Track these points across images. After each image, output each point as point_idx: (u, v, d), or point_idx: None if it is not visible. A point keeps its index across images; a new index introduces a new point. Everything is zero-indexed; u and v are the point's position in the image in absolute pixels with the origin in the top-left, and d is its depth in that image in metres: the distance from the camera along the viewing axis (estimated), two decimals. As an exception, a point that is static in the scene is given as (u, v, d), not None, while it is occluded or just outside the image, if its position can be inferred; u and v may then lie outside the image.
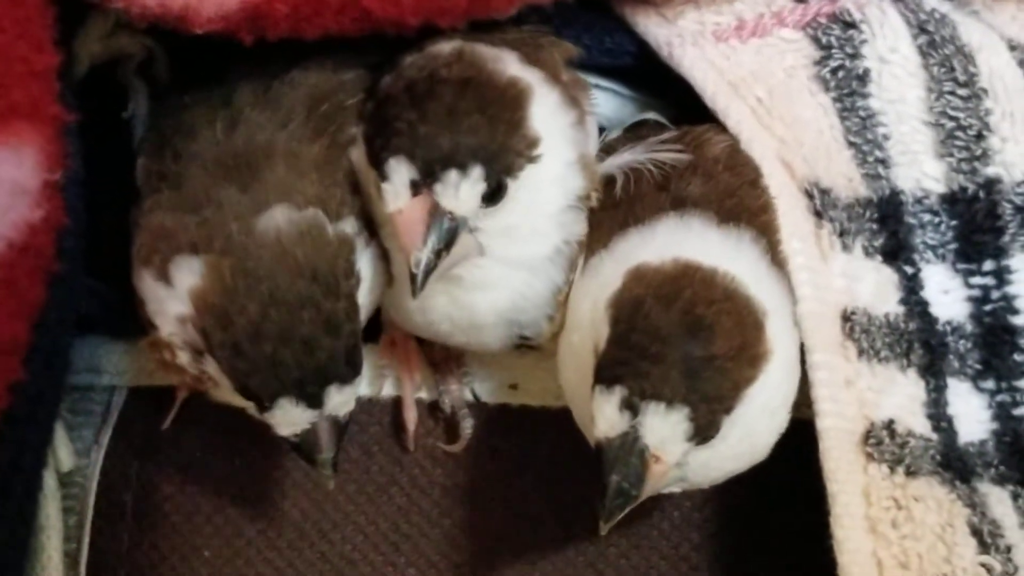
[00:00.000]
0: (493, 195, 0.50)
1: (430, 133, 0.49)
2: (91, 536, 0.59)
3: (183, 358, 0.52)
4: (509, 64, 0.53)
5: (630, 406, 0.47)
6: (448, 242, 0.49)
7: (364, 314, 0.52)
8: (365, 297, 0.52)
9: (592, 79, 0.59)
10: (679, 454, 0.48)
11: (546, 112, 0.52)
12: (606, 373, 0.48)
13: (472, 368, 0.60)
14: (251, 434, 0.58)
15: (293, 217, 0.50)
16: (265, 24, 0.52)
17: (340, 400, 0.51)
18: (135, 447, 0.60)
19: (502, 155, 0.50)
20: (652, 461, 0.48)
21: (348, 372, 0.50)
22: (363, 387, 0.59)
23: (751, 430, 0.50)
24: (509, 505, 0.59)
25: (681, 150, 0.56)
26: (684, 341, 0.48)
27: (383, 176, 0.50)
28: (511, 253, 0.53)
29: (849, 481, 0.51)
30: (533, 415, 0.59)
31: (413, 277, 0.49)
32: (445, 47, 0.53)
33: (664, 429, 0.47)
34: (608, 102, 0.61)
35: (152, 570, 0.59)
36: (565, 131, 0.53)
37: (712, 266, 0.50)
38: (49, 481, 0.58)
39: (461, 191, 0.49)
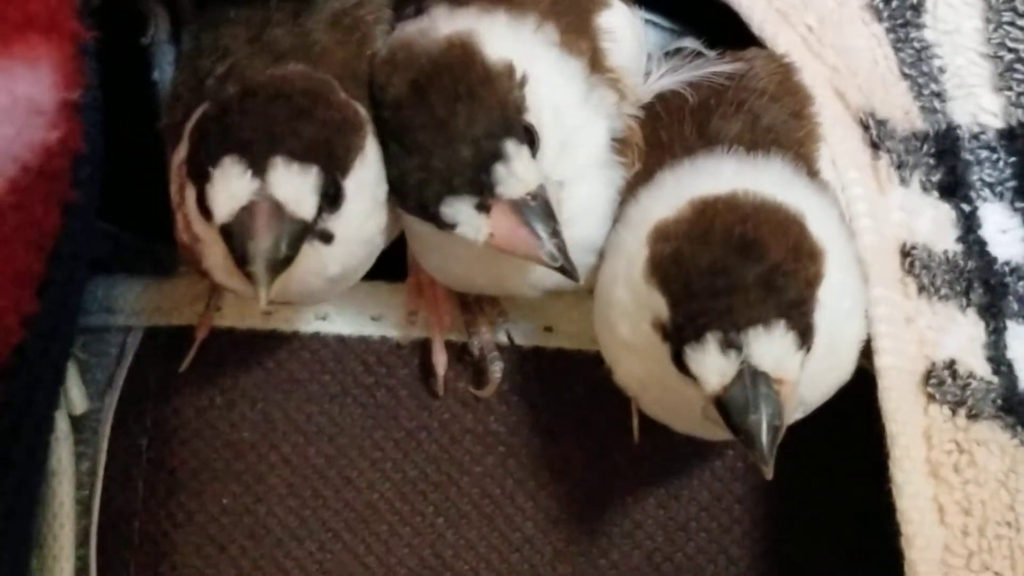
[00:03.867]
0: (531, 143, 0.48)
1: (434, 143, 0.48)
2: (104, 483, 0.57)
3: (186, 219, 0.49)
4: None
5: (731, 344, 0.44)
6: (553, 209, 0.47)
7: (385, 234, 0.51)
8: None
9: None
10: (797, 368, 0.45)
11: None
12: (688, 331, 0.45)
13: (507, 309, 0.57)
14: (272, 378, 0.57)
15: (305, 71, 0.49)
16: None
17: (288, 179, 0.46)
18: (151, 390, 0.58)
19: (503, 116, 0.48)
20: (778, 386, 0.45)
21: (301, 146, 0.46)
22: (390, 329, 0.57)
23: (834, 334, 0.47)
24: (543, 452, 0.57)
25: (736, 60, 0.54)
26: (742, 264, 0.45)
27: (448, 224, 0.48)
28: (575, 165, 0.51)
29: (909, 422, 0.49)
30: (568, 358, 0.57)
31: (563, 270, 0.47)
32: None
33: (775, 349, 0.44)
34: (647, 35, 0.58)
35: (168, 519, 0.57)
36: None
37: (730, 190, 0.47)
38: (61, 424, 0.56)
39: (526, 168, 0.47)
